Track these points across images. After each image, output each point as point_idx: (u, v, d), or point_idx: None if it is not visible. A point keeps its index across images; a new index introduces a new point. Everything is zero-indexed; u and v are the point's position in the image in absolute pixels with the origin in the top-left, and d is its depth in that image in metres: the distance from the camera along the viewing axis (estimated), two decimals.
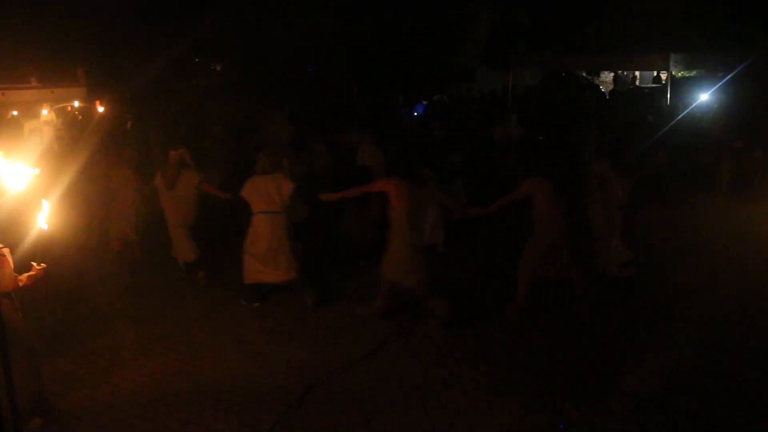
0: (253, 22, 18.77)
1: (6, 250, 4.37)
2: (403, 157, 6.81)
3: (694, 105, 13.50)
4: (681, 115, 12.90)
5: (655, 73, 22.91)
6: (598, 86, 23.72)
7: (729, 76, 13.75)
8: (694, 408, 4.94)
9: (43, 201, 4.03)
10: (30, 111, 13.81)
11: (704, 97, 13.61)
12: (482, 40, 25.12)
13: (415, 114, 16.25)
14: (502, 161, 11.22)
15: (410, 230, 6.40)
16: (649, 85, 23.33)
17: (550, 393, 5.19)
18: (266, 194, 6.96)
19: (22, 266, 4.51)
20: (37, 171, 3.71)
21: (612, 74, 25.18)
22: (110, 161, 8.55)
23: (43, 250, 4.35)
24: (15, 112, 13.20)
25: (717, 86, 13.64)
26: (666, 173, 8.11)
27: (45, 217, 3.99)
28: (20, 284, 4.45)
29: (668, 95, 15.27)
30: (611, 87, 24.49)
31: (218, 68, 22.42)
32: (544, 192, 6.45)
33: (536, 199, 6.49)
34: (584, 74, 23.84)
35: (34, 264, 4.46)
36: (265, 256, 6.99)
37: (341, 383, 5.42)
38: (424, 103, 16.97)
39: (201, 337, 6.36)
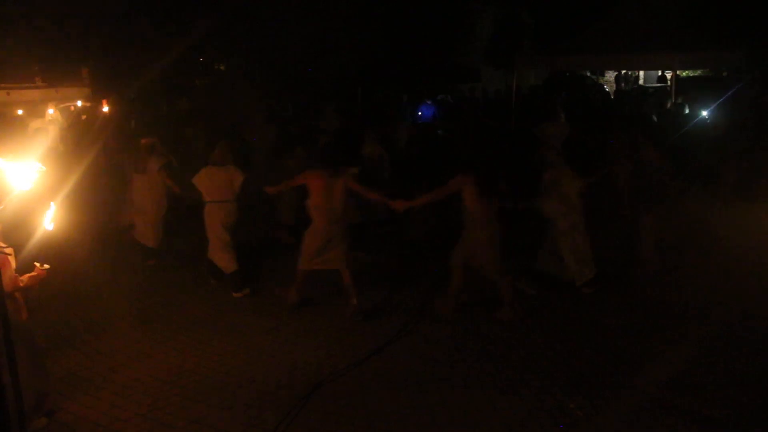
0: (257, 21, 18.75)
1: (10, 250, 4.37)
2: (327, 150, 6.97)
3: (702, 114, 13.39)
4: (691, 123, 12.84)
5: (659, 73, 22.87)
6: (603, 86, 23.69)
7: (745, 85, 13.68)
8: (699, 409, 4.92)
9: (49, 201, 4.02)
10: (35, 110, 13.84)
11: (704, 113, 13.55)
12: (486, 40, 25.07)
13: (420, 113, 16.23)
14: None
15: (326, 219, 6.68)
16: (654, 85, 23.27)
17: (554, 393, 5.19)
18: (218, 184, 7.41)
19: (27, 266, 4.51)
20: (43, 168, 3.70)
21: (616, 74, 25.15)
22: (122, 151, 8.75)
23: (47, 251, 4.35)
24: (20, 112, 13.22)
25: (733, 91, 13.53)
26: (662, 172, 7.90)
27: (50, 218, 3.99)
28: (21, 285, 4.45)
29: (673, 95, 15.24)
30: (614, 87, 24.46)
31: (222, 68, 22.41)
32: (472, 190, 6.38)
33: (465, 196, 6.44)
34: (589, 74, 23.81)
35: (37, 264, 4.46)
36: (212, 241, 7.55)
37: (346, 383, 5.42)
38: (429, 102, 16.94)
39: (206, 337, 6.36)
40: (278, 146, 10.07)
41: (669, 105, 15.33)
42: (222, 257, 7.52)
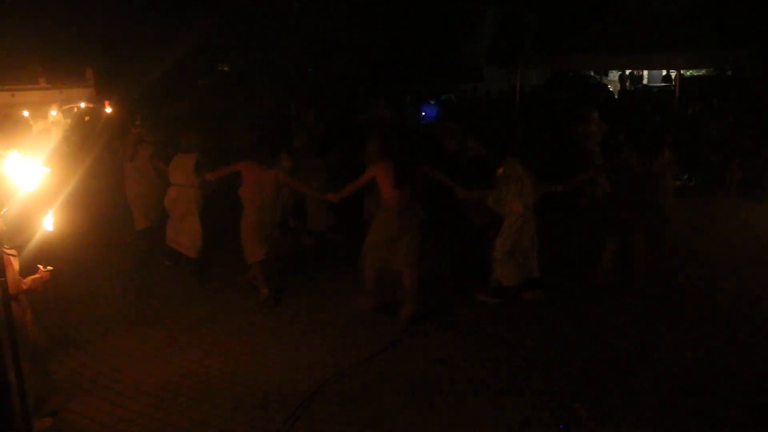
0: (258, 21, 18.76)
1: (13, 252, 4.37)
2: (257, 142, 7.34)
3: (707, 113, 13.29)
4: (696, 123, 12.75)
5: (664, 72, 22.84)
6: (606, 86, 23.64)
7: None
8: (705, 409, 4.91)
9: (50, 203, 4.02)
10: (39, 112, 13.86)
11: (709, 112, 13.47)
12: (489, 40, 25.05)
13: (423, 114, 16.21)
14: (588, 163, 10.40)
15: (255, 208, 7.05)
16: (658, 84, 23.26)
17: (559, 393, 5.17)
18: (184, 170, 7.88)
19: (30, 268, 4.50)
20: (48, 170, 3.71)
21: (619, 73, 25.14)
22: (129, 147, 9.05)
23: (50, 252, 4.34)
24: (26, 113, 13.25)
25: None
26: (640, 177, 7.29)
27: (51, 219, 3.99)
28: (24, 287, 4.44)
29: (677, 94, 15.21)
30: (618, 87, 24.43)
31: (225, 68, 22.43)
32: (386, 178, 6.45)
33: (380, 185, 6.53)
34: (592, 74, 23.76)
35: (40, 267, 4.45)
36: (175, 225, 8.02)
37: (350, 383, 5.41)
38: (432, 102, 16.94)
39: (210, 337, 6.36)
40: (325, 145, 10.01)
41: (673, 104, 15.28)
42: (181, 242, 8.04)
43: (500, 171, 6.96)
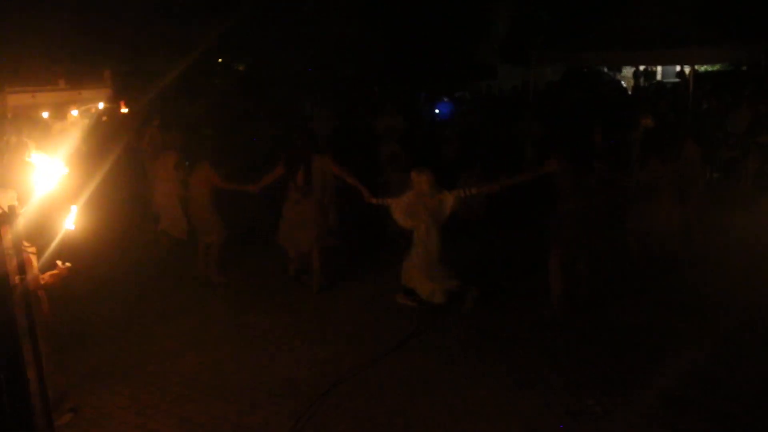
0: (271, 21, 18.81)
1: (33, 249, 4.45)
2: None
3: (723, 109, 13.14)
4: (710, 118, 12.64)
5: (678, 68, 22.64)
6: (620, 82, 23.49)
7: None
8: (716, 405, 4.91)
9: (70, 203, 4.10)
10: (58, 113, 14.01)
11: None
12: (502, 37, 24.95)
13: (437, 111, 16.18)
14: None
15: (191, 200, 8.04)
16: (673, 80, 23.08)
17: (572, 389, 5.20)
18: (164, 167, 8.73)
19: (49, 265, 4.58)
20: (66, 171, 3.79)
21: (633, 69, 24.94)
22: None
23: (70, 249, 4.41)
24: (46, 114, 13.42)
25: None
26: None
27: (72, 217, 4.06)
28: (42, 283, 4.52)
29: (690, 89, 15.09)
30: (632, 83, 24.25)
31: (240, 68, 22.50)
32: (292, 185, 7.29)
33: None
34: (606, 70, 23.59)
35: (59, 263, 4.53)
36: (163, 213, 8.96)
37: (365, 379, 5.47)
38: (446, 100, 16.92)
39: (226, 334, 6.45)
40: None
41: (687, 100, 15.17)
42: (167, 223, 8.93)
43: (395, 177, 7.10)
